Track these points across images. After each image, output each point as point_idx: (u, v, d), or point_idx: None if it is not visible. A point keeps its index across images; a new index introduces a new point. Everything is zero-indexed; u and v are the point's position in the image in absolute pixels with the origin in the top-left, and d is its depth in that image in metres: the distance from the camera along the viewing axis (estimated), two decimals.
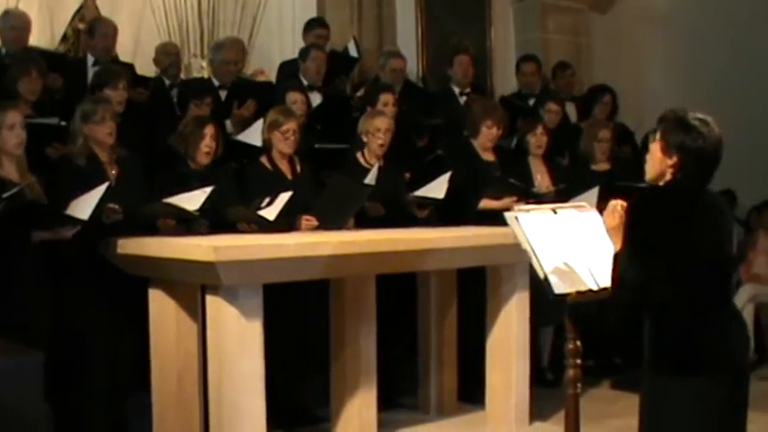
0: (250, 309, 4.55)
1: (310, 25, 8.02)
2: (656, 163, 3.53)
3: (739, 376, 3.47)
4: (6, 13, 6.95)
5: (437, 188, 6.17)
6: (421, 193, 6.23)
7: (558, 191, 6.51)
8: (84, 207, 5.01)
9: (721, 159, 3.51)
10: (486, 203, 6.38)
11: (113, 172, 5.44)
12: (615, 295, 3.54)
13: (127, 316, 5.39)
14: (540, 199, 6.19)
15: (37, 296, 5.16)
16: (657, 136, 3.53)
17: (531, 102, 8.29)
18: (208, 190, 5.32)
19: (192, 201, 5.29)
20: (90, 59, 6.98)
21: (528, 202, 5.90)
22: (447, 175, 6.17)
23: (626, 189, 3.72)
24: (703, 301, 3.42)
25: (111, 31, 7.12)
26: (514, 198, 6.28)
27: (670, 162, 3.48)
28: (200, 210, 5.31)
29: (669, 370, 3.43)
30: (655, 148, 3.53)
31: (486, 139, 6.62)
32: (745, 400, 3.50)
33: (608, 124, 7.71)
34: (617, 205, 3.58)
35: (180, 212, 5.30)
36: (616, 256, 3.52)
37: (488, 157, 6.65)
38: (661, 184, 3.53)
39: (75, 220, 5.03)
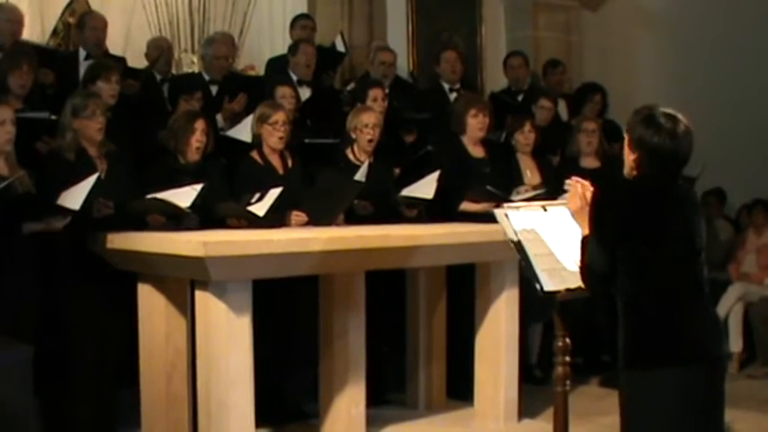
0: (239, 304, 4.55)
1: (296, 20, 8.06)
2: (627, 157, 3.57)
3: (713, 368, 3.48)
4: None
5: (426, 187, 6.17)
6: (410, 192, 6.22)
7: (538, 196, 6.43)
8: (74, 197, 5.00)
9: (685, 156, 3.50)
10: (466, 206, 6.37)
11: (102, 167, 5.43)
12: (584, 281, 3.60)
13: (116, 310, 5.38)
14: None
15: (26, 290, 5.16)
16: (627, 130, 3.56)
17: (520, 98, 8.29)
18: (198, 187, 5.30)
19: (182, 197, 5.27)
20: (82, 53, 6.97)
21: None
22: (436, 174, 6.16)
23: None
24: (673, 294, 3.44)
25: (101, 24, 7.11)
26: (492, 204, 6.25)
27: (632, 156, 3.52)
28: (190, 207, 5.29)
29: (643, 364, 3.45)
30: (625, 144, 3.57)
31: (474, 130, 6.59)
32: (721, 391, 3.52)
33: (594, 118, 7.73)
34: (577, 187, 3.62)
35: (170, 208, 5.29)
36: (584, 241, 3.55)
37: (478, 153, 6.64)
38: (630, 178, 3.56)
39: (65, 211, 5.01)
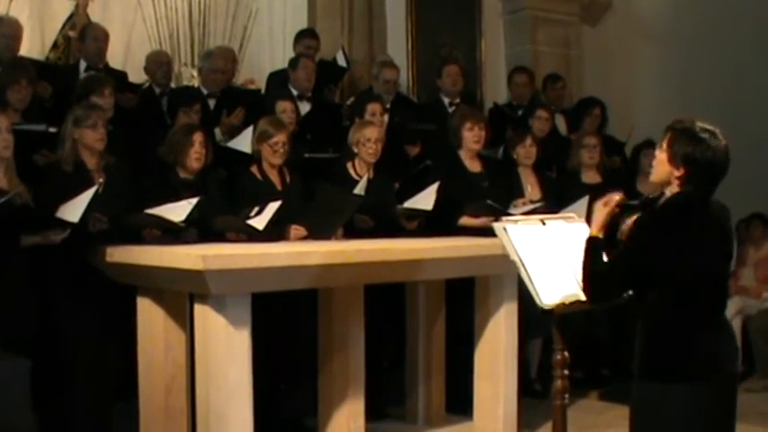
0: (238, 318, 4.54)
1: (300, 36, 8.04)
2: (663, 171, 3.54)
3: (727, 385, 3.50)
4: None
5: (425, 199, 6.17)
6: (409, 204, 6.23)
7: (536, 210, 6.43)
8: (73, 210, 5.00)
9: (727, 170, 3.52)
10: (465, 221, 6.38)
11: (100, 180, 5.43)
12: (587, 289, 3.60)
13: (114, 323, 5.38)
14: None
15: (24, 303, 5.15)
16: (664, 145, 3.53)
17: (520, 112, 8.31)
18: (194, 201, 5.30)
19: (176, 212, 5.26)
20: (82, 65, 6.99)
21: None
22: (435, 186, 6.16)
23: (619, 205, 3.73)
24: (699, 311, 3.44)
25: (102, 35, 7.13)
26: (492, 218, 6.27)
27: (677, 173, 3.49)
28: (185, 221, 5.28)
29: (659, 378, 3.45)
30: (661, 157, 3.54)
31: (470, 143, 6.59)
32: (733, 408, 3.53)
33: (594, 132, 7.75)
34: (612, 201, 3.63)
35: (164, 223, 5.28)
36: (591, 246, 3.59)
37: (475, 167, 6.64)
38: (667, 192, 3.55)
39: (64, 223, 5.01)
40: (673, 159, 3.49)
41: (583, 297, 3.85)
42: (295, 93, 7.20)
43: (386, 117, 7.06)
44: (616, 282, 3.53)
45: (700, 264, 3.42)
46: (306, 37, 8.03)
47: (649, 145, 6.89)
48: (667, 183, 3.54)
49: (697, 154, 3.45)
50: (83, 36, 7.20)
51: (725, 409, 3.49)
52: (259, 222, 5.45)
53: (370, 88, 7.97)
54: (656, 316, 3.47)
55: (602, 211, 3.73)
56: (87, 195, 5.03)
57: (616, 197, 3.72)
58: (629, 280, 3.52)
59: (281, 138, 5.93)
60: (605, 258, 3.62)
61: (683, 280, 3.42)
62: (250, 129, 6.19)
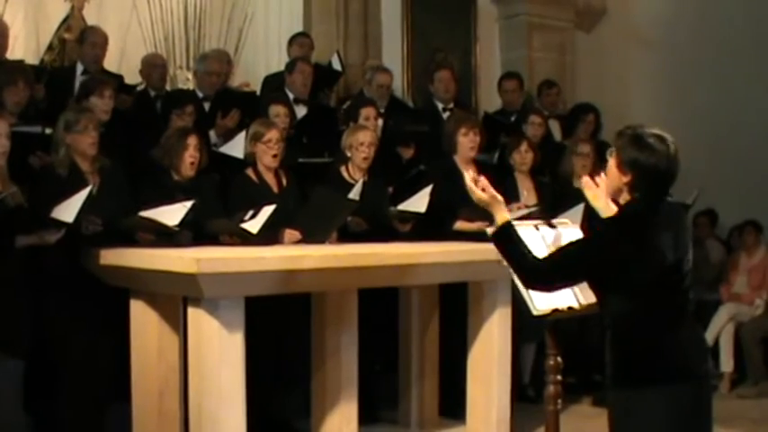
0: (232, 321, 4.55)
1: (294, 37, 8.10)
2: (613, 179, 3.55)
3: (699, 386, 3.51)
4: None
5: (419, 201, 6.18)
6: (403, 206, 6.23)
7: (531, 214, 6.43)
8: (67, 210, 5.00)
9: (676, 175, 3.50)
10: (460, 225, 6.39)
11: (95, 182, 5.43)
12: (534, 270, 3.60)
13: (108, 326, 5.38)
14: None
15: (17, 305, 5.14)
16: (614, 152, 3.54)
17: (513, 118, 8.32)
18: (188, 204, 5.29)
19: (170, 215, 5.25)
20: (79, 68, 6.98)
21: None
22: (428, 189, 6.17)
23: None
24: (661, 315, 3.45)
25: (101, 40, 7.12)
26: (486, 223, 6.27)
27: (625, 179, 3.49)
28: (179, 224, 5.28)
29: (630, 382, 3.46)
30: (611, 164, 3.55)
31: (465, 149, 6.60)
32: (707, 408, 3.54)
33: (588, 140, 7.75)
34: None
35: (158, 226, 5.28)
36: (572, 244, 3.62)
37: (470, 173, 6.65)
38: (621, 201, 3.55)
39: (59, 223, 5.01)
40: (621, 166, 3.50)
41: (575, 304, 3.87)
42: (291, 96, 7.21)
43: (380, 121, 7.07)
44: (560, 270, 3.54)
45: (656, 269, 3.42)
46: (299, 37, 8.09)
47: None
48: (619, 191, 3.54)
49: (643, 159, 3.44)
50: (81, 39, 7.19)
51: (699, 409, 3.49)
52: (253, 226, 5.44)
53: (361, 91, 7.98)
54: (622, 322, 3.48)
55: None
56: (81, 196, 5.02)
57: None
58: (572, 271, 3.53)
59: (272, 134, 5.94)
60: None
61: (642, 286, 3.42)
62: (242, 134, 6.19)
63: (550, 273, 3.55)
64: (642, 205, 3.48)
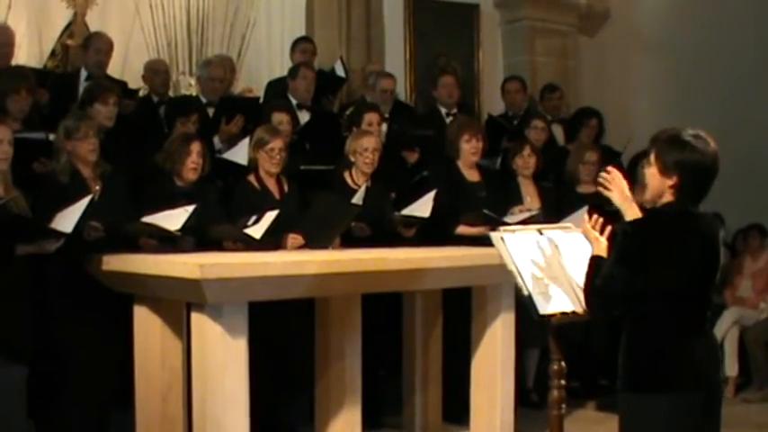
0: (235, 327, 4.54)
1: (296, 42, 8.09)
2: (656, 185, 3.52)
3: (710, 393, 3.50)
4: None
5: (422, 206, 6.17)
6: (407, 211, 6.23)
7: (533, 218, 6.42)
8: (66, 220, 4.99)
9: (718, 170, 3.50)
10: (462, 230, 6.39)
11: (96, 188, 5.43)
12: (589, 303, 3.59)
13: (111, 332, 5.37)
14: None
15: (20, 311, 5.15)
16: (652, 158, 3.52)
17: (516, 122, 8.32)
18: (190, 209, 5.28)
19: (172, 220, 5.24)
20: (83, 74, 6.99)
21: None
22: (432, 194, 6.17)
23: (615, 214, 3.72)
24: (682, 323, 3.44)
25: (106, 46, 7.14)
26: (489, 227, 6.26)
27: (670, 182, 3.47)
28: (181, 229, 5.27)
29: (644, 387, 3.46)
30: (652, 172, 3.51)
31: (468, 155, 6.62)
32: (717, 416, 3.53)
33: (595, 147, 7.73)
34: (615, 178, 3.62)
35: (161, 232, 5.27)
36: (594, 262, 3.58)
37: (473, 177, 6.66)
38: (659, 204, 3.53)
39: (58, 234, 5.01)
40: (663, 169, 3.48)
41: (579, 308, 3.86)
42: (294, 102, 7.21)
43: (384, 126, 7.07)
44: (612, 296, 3.51)
45: (683, 275, 3.42)
46: (302, 42, 8.08)
47: (647, 155, 6.88)
48: (660, 196, 3.52)
49: (685, 159, 3.44)
50: (86, 45, 7.20)
51: (709, 416, 3.49)
52: (256, 231, 5.44)
53: (362, 97, 7.98)
54: (640, 326, 3.47)
55: (592, 233, 3.73)
56: (82, 204, 5.02)
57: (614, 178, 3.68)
58: (623, 295, 3.50)
59: (276, 144, 5.94)
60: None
61: (667, 292, 3.41)
62: (246, 140, 6.19)
63: (612, 299, 3.51)
64: (681, 206, 3.46)
